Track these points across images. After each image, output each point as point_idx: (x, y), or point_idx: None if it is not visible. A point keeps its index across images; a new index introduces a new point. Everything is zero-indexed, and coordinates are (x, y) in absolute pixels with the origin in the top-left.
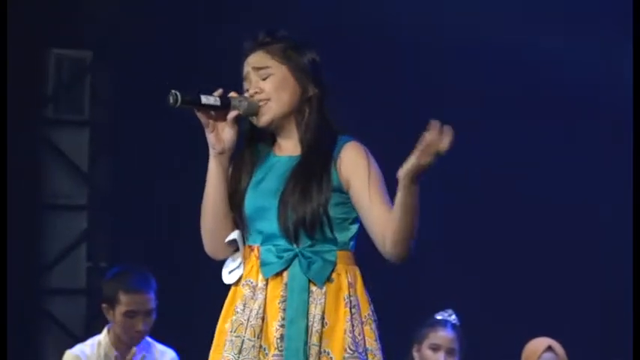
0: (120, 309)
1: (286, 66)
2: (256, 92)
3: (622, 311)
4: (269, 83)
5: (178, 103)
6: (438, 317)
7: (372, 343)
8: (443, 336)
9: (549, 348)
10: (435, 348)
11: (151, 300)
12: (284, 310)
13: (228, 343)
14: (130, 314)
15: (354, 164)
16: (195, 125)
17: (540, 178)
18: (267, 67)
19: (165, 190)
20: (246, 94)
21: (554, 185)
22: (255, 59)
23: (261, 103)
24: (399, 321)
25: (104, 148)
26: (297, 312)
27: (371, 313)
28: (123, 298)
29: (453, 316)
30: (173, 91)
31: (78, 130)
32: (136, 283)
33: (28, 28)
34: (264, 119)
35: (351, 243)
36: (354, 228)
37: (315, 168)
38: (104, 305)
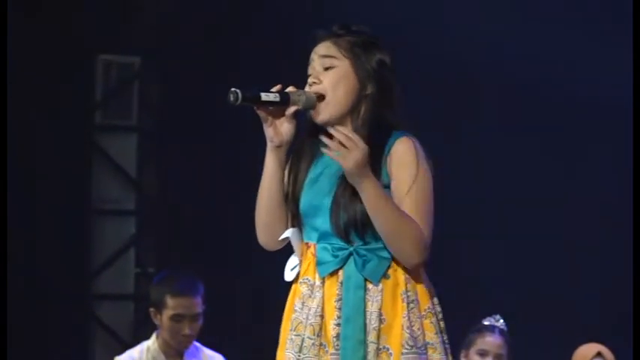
0: (167, 313)
1: (350, 60)
2: (314, 82)
3: None
4: (328, 76)
5: (239, 101)
6: (486, 323)
7: (432, 336)
8: (491, 341)
9: (599, 354)
10: (483, 354)
11: (197, 304)
12: (339, 308)
13: (288, 341)
14: (176, 318)
15: (398, 163)
16: (242, 130)
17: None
18: (331, 57)
19: (213, 195)
20: (307, 87)
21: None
22: (323, 48)
23: (318, 98)
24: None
25: (152, 153)
26: (353, 310)
27: (431, 307)
28: (170, 301)
29: (501, 321)
30: (233, 89)
31: (126, 135)
32: (183, 287)
33: (76, 34)
34: (320, 118)
35: None
36: None
37: (375, 169)
38: (152, 309)
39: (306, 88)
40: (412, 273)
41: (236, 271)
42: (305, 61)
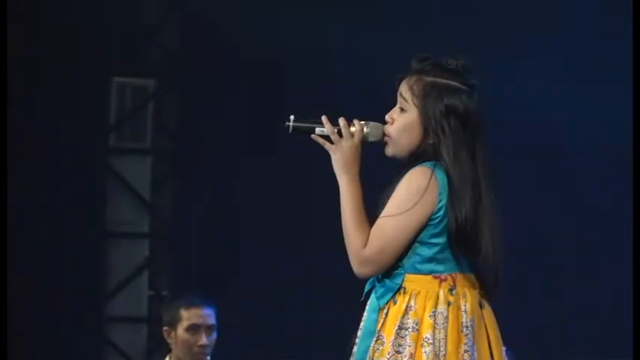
0: (182, 325)
1: (419, 109)
2: (387, 121)
3: None
4: (400, 119)
5: (290, 131)
6: None
7: None
8: None
9: None
10: None
11: (212, 315)
12: (360, 329)
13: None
14: (192, 328)
15: (401, 182)
16: (255, 153)
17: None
18: (405, 102)
19: (227, 219)
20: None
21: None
22: (404, 87)
23: (386, 137)
24: None
25: (166, 176)
26: (365, 331)
27: (430, 337)
28: (184, 313)
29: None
30: (291, 117)
31: (140, 158)
32: (197, 299)
33: (91, 57)
34: (386, 153)
35: (426, 266)
36: (425, 250)
37: (386, 198)
38: (165, 329)
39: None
40: (421, 302)
41: (249, 294)
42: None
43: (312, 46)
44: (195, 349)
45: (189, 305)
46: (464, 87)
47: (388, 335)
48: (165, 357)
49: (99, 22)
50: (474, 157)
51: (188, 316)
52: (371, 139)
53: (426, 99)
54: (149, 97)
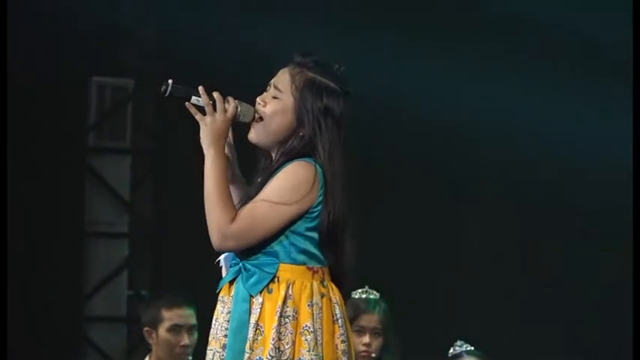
0: (164, 326)
1: (295, 99)
2: (258, 103)
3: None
4: (272, 104)
5: (167, 94)
6: (457, 350)
7: (303, 353)
8: None
9: None
10: None
11: (193, 316)
12: (228, 321)
13: (206, 357)
14: (174, 328)
15: (279, 174)
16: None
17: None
18: (280, 91)
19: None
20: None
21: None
22: (280, 77)
23: (257, 118)
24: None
25: (146, 175)
26: (237, 322)
27: (310, 326)
28: (166, 314)
29: (465, 345)
30: (169, 81)
31: (120, 157)
32: (178, 299)
33: (70, 57)
34: (251, 137)
35: (301, 257)
36: (301, 242)
37: (259, 184)
38: (146, 329)
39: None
40: (298, 291)
41: None
42: None
43: (294, 46)
44: (178, 349)
45: (170, 305)
46: (342, 91)
47: (268, 324)
48: (145, 357)
49: (78, 22)
50: (344, 160)
51: (169, 316)
52: (242, 119)
53: (305, 92)
54: (128, 96)
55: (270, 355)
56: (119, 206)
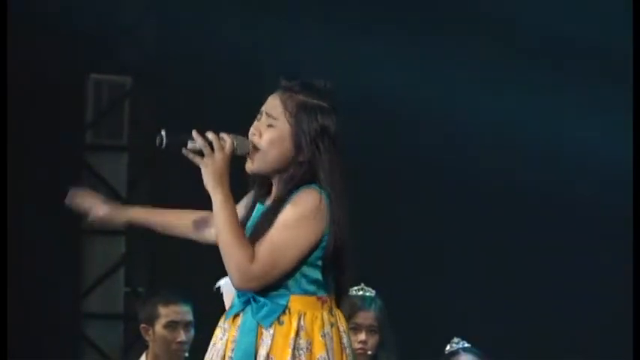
0: (160, 322)
1: (290, 126)
2: (253, 134)
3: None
4: (268, 133)
5: (163, 146)
6: (454, 348)
7: None
8: None
9: None
10: None
11: (189, 312)
12: (232, 350)
13: None
14: (171, 325)
15: (288, 206)
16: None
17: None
18: (274, 118)
19: None
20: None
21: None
22: (271, 104)
23: (253, 148)
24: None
25: (143, 173)
26: (242, 352)
27: (326, 356)
28: (162, 310)
29: (462, 342)
30: (162, 132)
31: (117, 155)
32: (175, 295)
33: (67, 54)
34: (251, 168)
35: (311, 287)
36: (311, 272)
37: (269, 214)
38: (143, 326)
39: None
40: (310, 323)
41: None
42: None
43: (288, 45)
44: (174, 345)
45: (166, 302)
46: (332, 108)
47: (281, 356)
48: (142, 354)
49: (76, 19)
50: (343, 177)
51: (166, 312)
52: (238, 152)
53: (299, 116)
54: (126, 94)
55: None
56: (116, 203)
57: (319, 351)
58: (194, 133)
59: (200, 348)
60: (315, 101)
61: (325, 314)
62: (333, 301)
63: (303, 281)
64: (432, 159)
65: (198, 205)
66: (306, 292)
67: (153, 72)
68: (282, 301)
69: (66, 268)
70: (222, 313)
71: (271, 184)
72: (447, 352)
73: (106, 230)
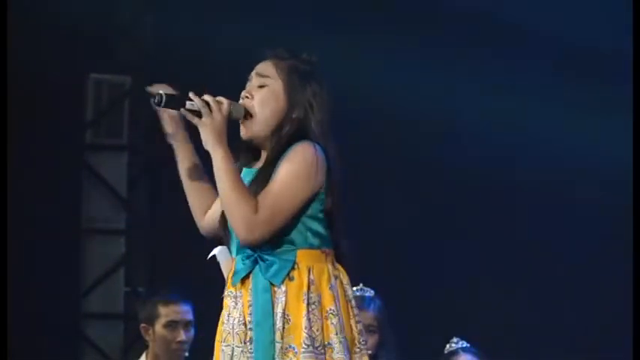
0: (160, 322)
1: (283, 82)
2: (246, 97)
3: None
4: (260, 93)
5: (162, 105)
6: (453, 347)
7: (332, 337)
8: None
9: None
10: None
11: (189, 312)
12: (250, 313)
13: (221, 353)
14: (170, 324)
15: (286, 158)
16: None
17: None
18: (266, 77)
19: None
20: (240, 100)
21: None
22: (262, 66)
23: (246, 114)
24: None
25: (142, 172)
26: (261, 313)
27: (334, 309)
28: (162, 310)
29: (461, 342)
30: (160, 91)
31: (116, 154)
32: (174, 295)
33: (67, 54)
34: (245, 134)
35: (316, 241)
36: (315, 225)
37: (265, 173)
38: (143, 325)
39: (240, 102)
40: (317, 276)
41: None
42: None
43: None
44: (174, 345)
45: (166, 302)
46: (321, 77)
47: (296, 312)
48: (142, 354)
49: (75, 18)
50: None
51: (166, 312)
52: (234, 115)
53: (292, 76)
54: (125, 93)
55: (306, 344)
56: (116, 203)
57: (329, 304)
58: (191, 94)
59: (201, 348)
60: (305, 66)
61: (330, 267)
62: (334, 255)
63: (309, 234)
64: (432, 158)
65: None
66: (311, 246)
67: (152, 72)
68: (290, 257)
69: (66, 267)
70: (221, 307)
71: (258, 150)
72: (446, 352)
73: (106, 230)
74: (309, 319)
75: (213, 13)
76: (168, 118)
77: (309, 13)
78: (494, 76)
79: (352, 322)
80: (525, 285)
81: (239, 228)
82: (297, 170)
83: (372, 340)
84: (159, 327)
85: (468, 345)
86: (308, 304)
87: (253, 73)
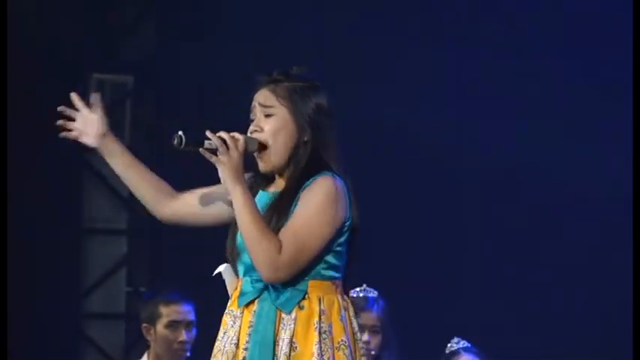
0: (162, 322)
1: (287, 109)
2: (256, 130)
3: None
4: (269, 124)
5: (182, 146)
6: (454, 347)
7: None
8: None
9: None
10: None
11: (191, 312)
12: (249, 334)
13: None
14: (172, 324)
15: (307, 193)
16: None
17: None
18: (270, 107)
19: None
20: (249, 133)
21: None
22: (262, 96)
23: (261, 147)
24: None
25: None
26: (262, 336)
27: (346, 340)
28: (164, 310)
29: (462, 342)
30: (179, 133)
31: None
32: (176, 295)
33: (69, 53)
34: (264, 167)
35: (329, 272)
36: (331, 258)
37: (284, 202)
38: (144, 325)
39: (248, 134)
40: (329, 307)
41: (227, 290)
42: None
43: (289, 44)
44: (175, 345)
45: (168, 301)
46: (318, 86)
47: (305, 340)
48: (143, 354)
49: (77, 18)
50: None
51: (167, 312)
52: (249, 149)
53: (293, 98)
54: (127, 93)
55: None
56: (117, 203)
57: (340, 334)
58: (208, 133)
59: (202, 348)
60: (301, 84)
61: (339, 298)
62: (343, 286)
63: (322, 267)
64: (432, 160)
65: None
66: (323, 278)
67: (155, 72)
68: (302, 287)
69: (67, 267)
70: (224, 307)
71: (272, 173)
72: (447, 352)
73: (108, 230)
74: (320, 348)
75: (216, 11)
76: (98, 120)
77: (312, 12)
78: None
79: (357, 355)
80: (525, 285)
81: (263, 268)
82: (321, 207)
83: (376, 340)
84: (160, 327)
85: (469, 345)
86: (320, 332)
87: (256, 104)
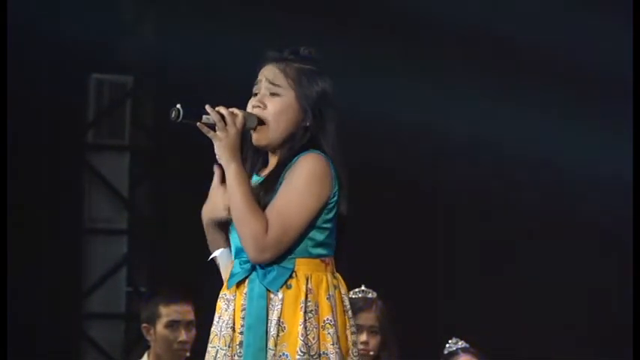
0: (161, 322)
1: (295, 92)
2: (259, 106)
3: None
4: (273, 104)
5: (179, 119)
6: (452, 348)
7: (328, 347)
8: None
9: None
10: None
11: (191, 311)
12: (243, 318)
13: (207, 354)
14: (172, 325)
15: (292, 170)
16: None
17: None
18: (278, 86)
19: None
20: (250, 106)
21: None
22: (271, 73)
23: (259, 122)
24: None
25: (144, 172)
26: (254, 319)
27: (332, 319)
28: (164, 310)
29: (460, 343)
30: (177, 105)
31: (118, 154)
32: (176, 295)
33: (69, 53)
34: (259, 142)
35: (317, 250)
36: (317, 235)
37: (270, 183)
38: (144, 325)
39: (249, 108)
40: (316, 285)
41: None
42: None
43: (289, 44)
44: (175, 345)
45: (168, 301)
46: (326, 73)
47: (292, 320)
48: (143, 354)
49: (77, 18)
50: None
51: (167, 312)
52: (247, 126)
53: (302, 81)
54: (127, 93)
55: (302, 352)
56: (118, 203)
57: (326, 313)
58: (208, 107)
59: (202, 348)
60: (311, 67)
61: (329, 276)
62: (334, 263)
63: (309, 244)
64: (431, 159)
65: (197, 205)
66: (310, 255)
67: (154, 72)
68: (289, 265)
69: (67, 267)
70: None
71: (266, 155)
72: (445, 353)
73: (108, 230)
74: (305, 328)
75: (216, 11)
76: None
77: (312, 12)
78: (492, 91)
79: (348, 332)
80: (525, 285)
81: (249, 248)
82: (304, 185)
83: (375, 341)
84: (160, 327)
85: (467, 345)
86: (305, 312)
87: (262, 78)
